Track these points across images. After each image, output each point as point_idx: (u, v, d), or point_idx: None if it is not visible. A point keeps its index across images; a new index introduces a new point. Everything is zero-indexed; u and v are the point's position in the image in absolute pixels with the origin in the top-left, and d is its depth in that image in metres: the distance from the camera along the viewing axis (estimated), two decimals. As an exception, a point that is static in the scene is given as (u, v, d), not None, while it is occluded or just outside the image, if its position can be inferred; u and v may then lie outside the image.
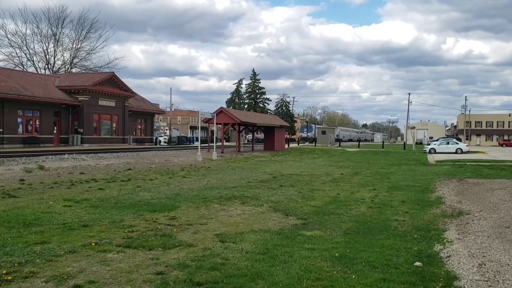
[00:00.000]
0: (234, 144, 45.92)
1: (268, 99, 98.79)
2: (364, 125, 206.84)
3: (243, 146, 45.31)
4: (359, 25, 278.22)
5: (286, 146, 50.90)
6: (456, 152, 43.08)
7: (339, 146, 62.00)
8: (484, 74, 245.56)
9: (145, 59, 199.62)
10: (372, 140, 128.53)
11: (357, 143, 74.52)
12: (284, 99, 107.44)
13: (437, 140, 56.63)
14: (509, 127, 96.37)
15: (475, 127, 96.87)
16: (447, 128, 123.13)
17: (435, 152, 43.73)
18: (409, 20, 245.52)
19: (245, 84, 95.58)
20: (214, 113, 33.78)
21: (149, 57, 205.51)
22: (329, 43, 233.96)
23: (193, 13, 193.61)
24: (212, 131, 48.73)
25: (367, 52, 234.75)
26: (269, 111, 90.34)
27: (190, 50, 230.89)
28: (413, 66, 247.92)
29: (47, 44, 55.78)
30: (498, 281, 5.28)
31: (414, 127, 74.58)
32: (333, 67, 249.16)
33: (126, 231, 7.54)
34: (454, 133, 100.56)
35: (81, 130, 40.70)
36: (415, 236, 7.87)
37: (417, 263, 6.08)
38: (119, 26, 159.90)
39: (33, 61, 55.39)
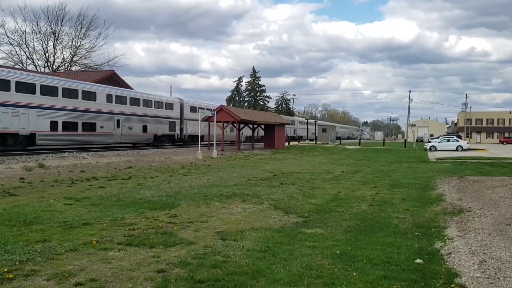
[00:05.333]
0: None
1: (268, 96, 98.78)
2: (365, 123, 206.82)
3: (243, 144, 45.25)
4: (361, 22, 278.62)
5: (287, 144, 50.88)
6: (456, 150, 43.10)
7: (340, 144, 61.99)
8: (486, 72, 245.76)
9: (147, 57, 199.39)
10: (374, 137, 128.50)
11: (358, 140, 74.53)
12: (284, 96, 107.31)
13: (437, 138, 56.67)
14: (509, 124, 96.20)
15: (476, 124, 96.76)
16: (447, 126, 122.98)
17: (435, 150, 43.73)
18: (412, 17, 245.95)
19: (245, 82, 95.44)
20: (214, 111, 33.80)
21: (151, 55, 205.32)
22: (332, 41, 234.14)
23: (196, 11, 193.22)
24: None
25: (370, 50, 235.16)
26: (269, 108, 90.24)
27: (192, 48, 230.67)
28: (415, 64, 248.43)
29: (46, 42, 55.80)
30: (499, 278, 5.28)
31: (415, 125, 74.42)
32: (335, 65, 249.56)
33: (127, 229, 7.55)
34: (455, 131, 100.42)
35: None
36: (416, 233, 7.87)
37: (418, 260, 6.09)
38: (122, 24, 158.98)
39: (32, 59, 55.43)
